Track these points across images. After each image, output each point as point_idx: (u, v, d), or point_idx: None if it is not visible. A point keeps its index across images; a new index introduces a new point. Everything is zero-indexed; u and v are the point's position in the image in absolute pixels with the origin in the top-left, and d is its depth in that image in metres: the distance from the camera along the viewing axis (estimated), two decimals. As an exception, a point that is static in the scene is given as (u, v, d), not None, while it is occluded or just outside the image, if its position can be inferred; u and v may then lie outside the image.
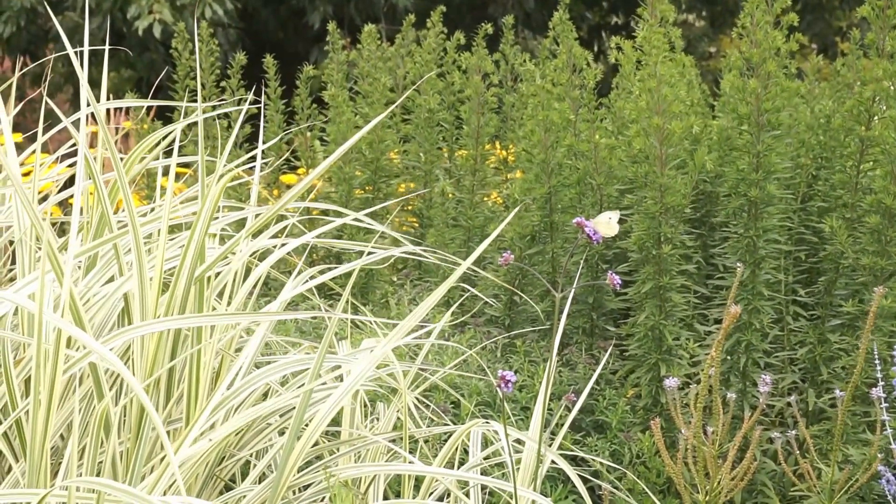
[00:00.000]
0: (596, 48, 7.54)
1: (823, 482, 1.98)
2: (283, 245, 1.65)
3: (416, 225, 3.27)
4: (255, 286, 1.66)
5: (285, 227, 1.83)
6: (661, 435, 1.91)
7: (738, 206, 2.32)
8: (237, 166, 3.56)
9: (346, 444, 1.59)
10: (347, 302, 1.48)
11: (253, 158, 2.73)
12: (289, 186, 3.59)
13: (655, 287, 2.31)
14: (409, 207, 3.33)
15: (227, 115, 3.46)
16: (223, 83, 3.48)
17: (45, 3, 6.20)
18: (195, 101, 3.44)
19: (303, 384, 1.50)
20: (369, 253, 1.71)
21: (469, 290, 2.65)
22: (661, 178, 2.29)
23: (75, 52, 1.68)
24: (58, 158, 2.04)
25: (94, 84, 6.02)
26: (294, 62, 3.50)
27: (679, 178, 2.30)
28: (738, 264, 1.94)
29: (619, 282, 1.43)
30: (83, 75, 1.51)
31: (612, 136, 2.61)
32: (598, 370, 1.94)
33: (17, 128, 5.15)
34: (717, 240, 2.49)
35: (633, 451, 2.26)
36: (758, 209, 2.30)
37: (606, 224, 1.46)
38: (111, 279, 1.55)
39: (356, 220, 1.81)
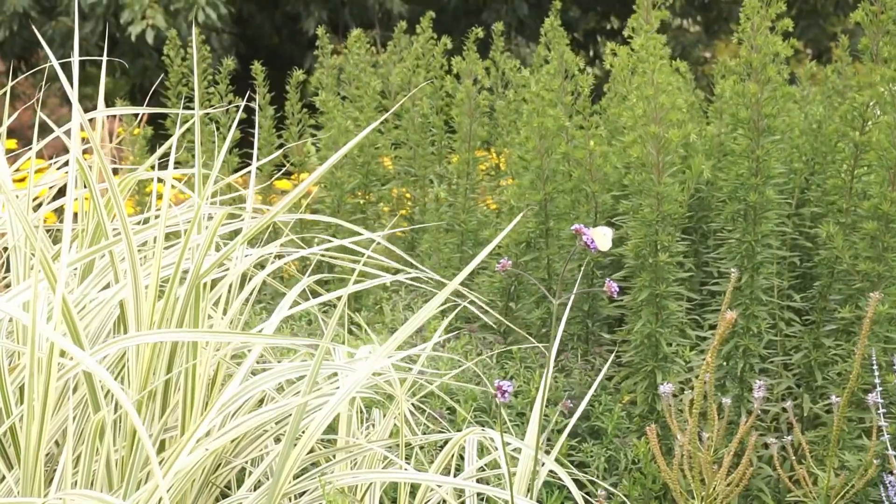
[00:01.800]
0: (591, 53, 7.54)
1: (820, 488, 1.98)
2: (278, 256, 1.63)
3: (409, 230, 3.27)
4: (250, 295, 1.65)
5: (280, 234, 1.83)
6: (658, 441, 1.90)
7: (735, 211, 2.31)
8: (233, 171, 3.55)
9: (343, 452, 1.58)
10: (344, 307, 1.48)
11: (246, 165, 2.71)
12: (284, 191, 3.59)
13: (652, 295, 2.31)
14: (403, 212, 3.33)
15: (216, 121, 3.45)
16: (212, 89, 3.47)
17: (38, 9, 6.19)
18: (187, 107, 3.43)
19: (299, 391, 1.50)
20: (362, 274, 1.70)
21: (464, 296, 2.64)
22: (657, 186, 2.29)
23: (69, 59, 1.67)
24: (53, 164, 2.03)
25: (91, 82, 6.00)
26: (289, 68, 3.49)
27: (676, 187, 2.30)
28: (733, 270, 1.94)
29: (617, 290, 1.42)
30: (74, 94, 1.51)
31: (606, 142, 2.61)
32: (597, 378, 1.93)
33: (11, 133, 5.15)
34: (709, 246, 2.49)
35: (628, 457, 2.26)
36: (756, 214, 2.30)
37: (602, 237, 1.46)
38: (108, 285, 1.55)
39: (348, 230, 1.80)
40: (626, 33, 2.49)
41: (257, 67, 3.34)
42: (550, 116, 2.47)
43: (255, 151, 1.85)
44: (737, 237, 2.31)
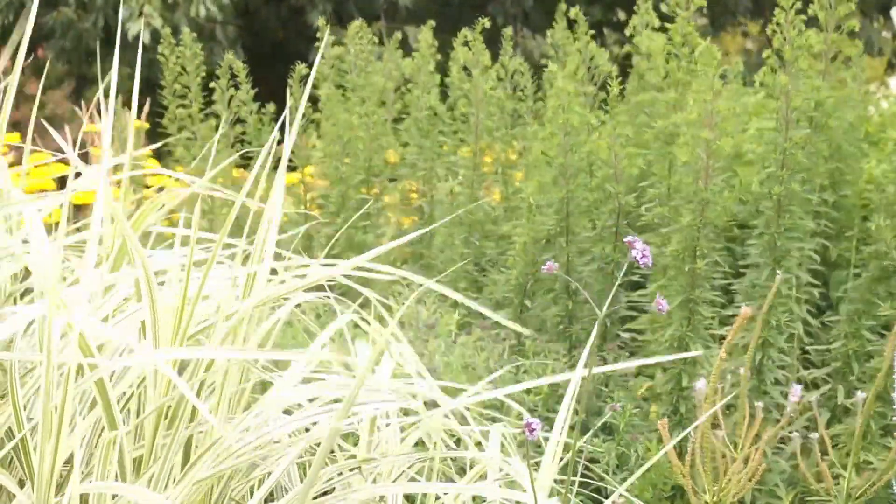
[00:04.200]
0: (598, 44, 7.50)
1: (841, 487, 1.96)
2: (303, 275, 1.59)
3: (418, 223, 3.25)
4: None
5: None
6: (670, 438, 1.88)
7: (768, 206, 2.28)
8: (235, 166, 3.50)
9: (364, 464, 1.55)
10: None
11: (249, 160, 2.65)
12: (289, 185, 3.56)
13: (685, 300, 2.28)
14: (409, 205, 3.31)
15: (217, 115, 3.43)
16: (213, 84, 3.44)
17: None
18: (181, 106, 3.41)
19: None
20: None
21: (478, 293, 2.62)
22: (704, 192, 2.26)
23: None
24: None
25: (95, 82, 5.97)
26: (295, 61, 3.47)
27: (725, 194, 2.28)
28: (778, 272, 1.91)
29: (666, 307, 1.39)
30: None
31: (631, 142, 2.58)
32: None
33: (16, 127, 5.11)
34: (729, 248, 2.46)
35: (639, 453, 2.23)
36: (781, 208, 2.26)
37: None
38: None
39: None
40: (631, 25, 2.48)
41: (238, 65, 3.32)
42: (576, 113, 2.45)
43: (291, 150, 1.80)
44: (773, 232, 2.27)
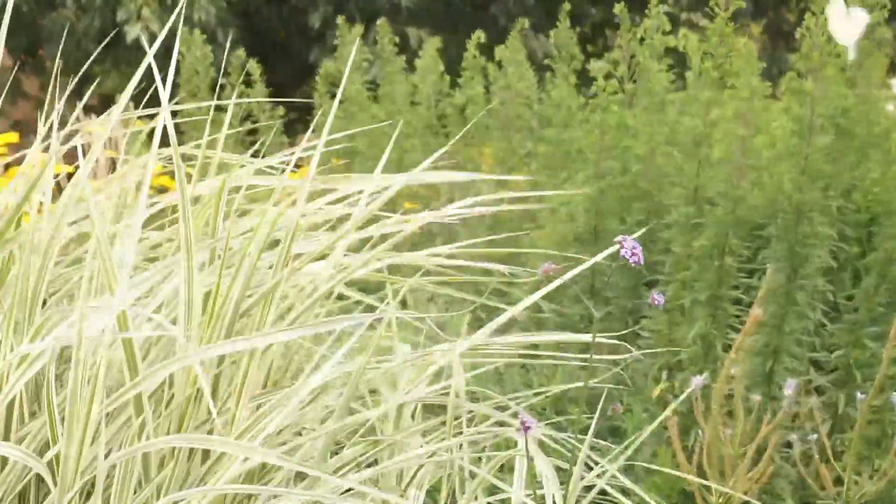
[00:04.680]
0: (601, 45, 7.51)
1: (847, 490, 1.97)
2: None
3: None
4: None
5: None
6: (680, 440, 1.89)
7: (779, 210, 2.29)
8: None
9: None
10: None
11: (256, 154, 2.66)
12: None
13: (712, 297, 2.29)
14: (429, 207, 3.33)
15: (225, 110, 3.46)
16: (222, 81, 3.47)
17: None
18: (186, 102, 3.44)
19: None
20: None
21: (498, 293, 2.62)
22: (737, 189, 2.27)
23: (64, 52, 1.66)
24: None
25: (91, 81, 5.98)
26: (296, 62, 3.49)
27: (756, 192, 2.29)
28: (768, 266, 1.93)
29: (662, 301, 1.41)
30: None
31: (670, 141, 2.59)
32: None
33: (17, 126, 5.12)
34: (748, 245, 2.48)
35: (643, 455, 2.24)
36: (801, 214, 2.27)
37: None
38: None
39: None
40: (643, 28, 2.50)
41: (253, 65, 3.35)
42: (615, 112, 2.46)
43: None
44: (791, 238, 2.28)
